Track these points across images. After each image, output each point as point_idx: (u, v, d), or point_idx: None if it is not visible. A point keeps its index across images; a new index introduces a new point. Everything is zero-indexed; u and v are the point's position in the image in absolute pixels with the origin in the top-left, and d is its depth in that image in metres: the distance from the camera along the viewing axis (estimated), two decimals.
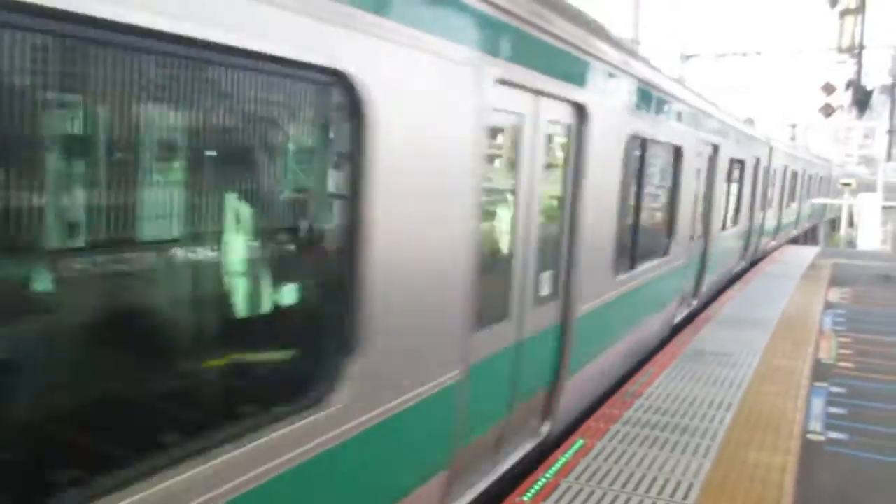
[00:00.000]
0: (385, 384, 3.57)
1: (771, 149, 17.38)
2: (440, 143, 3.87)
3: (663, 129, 8.37)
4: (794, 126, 49.97)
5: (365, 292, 3.31)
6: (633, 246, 7.77)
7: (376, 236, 3.32)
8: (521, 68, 4.67)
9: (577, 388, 6.32)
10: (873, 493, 5.32)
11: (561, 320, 5.87)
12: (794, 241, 26.83)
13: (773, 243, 21.14)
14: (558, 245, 5.77)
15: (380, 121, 3.26)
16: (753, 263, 17.82)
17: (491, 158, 4.80)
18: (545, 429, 5.87)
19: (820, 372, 8.15)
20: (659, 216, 9.31)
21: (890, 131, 16.01)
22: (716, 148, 11.62)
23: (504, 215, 5.05)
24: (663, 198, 9.29)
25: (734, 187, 14.05)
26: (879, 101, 20.80)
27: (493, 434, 5.06)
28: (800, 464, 5.60)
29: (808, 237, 31.95)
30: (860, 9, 12.22)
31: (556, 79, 5.19)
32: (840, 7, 13.30)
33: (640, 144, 7.64)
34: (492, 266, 4.79)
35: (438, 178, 3.89)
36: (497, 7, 4.25)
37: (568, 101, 5.49)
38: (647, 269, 8.26)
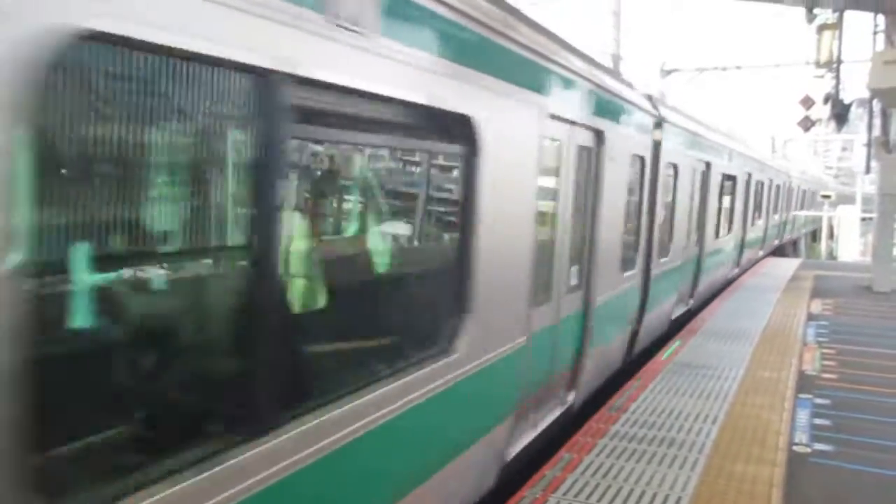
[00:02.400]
0: (485, 341, 4.76)
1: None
2: (517, 161, 5.10)
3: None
4: (773, 139, 50.61)
5: (475, 271, 4.52)
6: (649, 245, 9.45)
7: (482, 231, 4.52)
8: (563, 105, 5.95)
9: (593, 366, 7.36)
10: None
11: (583, 307, 6.97)
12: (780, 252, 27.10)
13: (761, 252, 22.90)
14: (583, 244, 6.91)
15: (485, 147, 4.47)
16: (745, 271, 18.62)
17: (543, 172, 5.80)
18: (570, 398, 6.85)
19: (804, 384, 8.18)
20: (663, 220, 10.38)
21: (867, 144, 16.22)
22: (709, 165, 13.01)
23: (550, 220, 6.14)
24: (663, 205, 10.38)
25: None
26: (857, 115, 21.04)
27: (539, 394, 6.09)
28: (787, 476, 5.60)
29: (791, 249, 32.22)
30: (837, 24, 12.42)
31: (583, 111, 6.45)
32: (817, 22, 13.51)
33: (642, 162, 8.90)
34: (542, 258, 5.82)
35: (516, 188, 5.11)
36: (551, 60, 5.58)
37: (590, 128, 6.74)
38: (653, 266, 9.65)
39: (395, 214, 5.17)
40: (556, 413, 6.50)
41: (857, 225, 35.90)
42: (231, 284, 3.45)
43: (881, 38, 14.16)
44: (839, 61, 14.25)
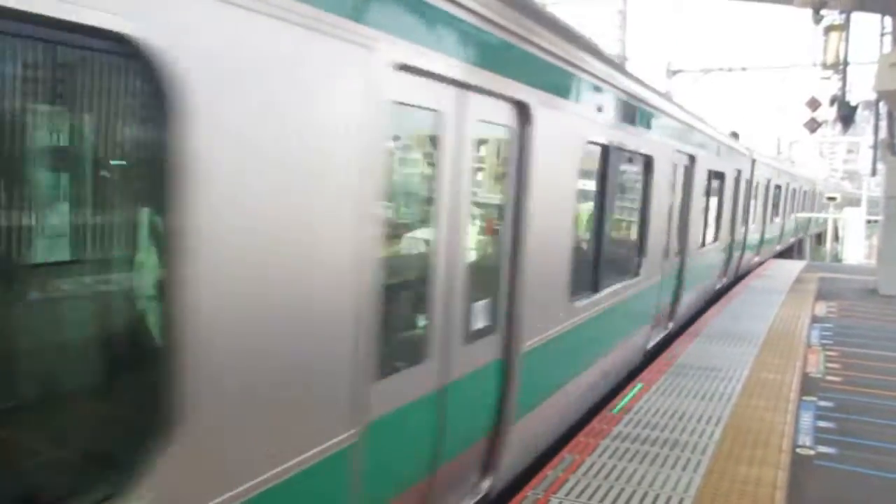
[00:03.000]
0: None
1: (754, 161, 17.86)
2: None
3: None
4: (778, 140, 50.47)
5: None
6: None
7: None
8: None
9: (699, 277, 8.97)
10: None
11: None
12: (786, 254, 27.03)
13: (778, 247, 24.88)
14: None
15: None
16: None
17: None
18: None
19: (808, 386, 8.15)
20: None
21: (873, 147, 16.16)
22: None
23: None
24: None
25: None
26: (863, 117, 20.98)
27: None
28: (790, 478, 5.58)
29: (795, 250, 32.13)
30: (844, 25, 12.37)
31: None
32: (824, 23, 13.46)
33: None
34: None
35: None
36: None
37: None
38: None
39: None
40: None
41: (862, 227, 35.77)
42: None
43: (888, 39, 14.11)
44: (846, 63, 14.20)
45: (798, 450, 6.21)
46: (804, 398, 7.68)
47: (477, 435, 4.92)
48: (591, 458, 5.78)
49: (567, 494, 5.11)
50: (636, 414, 6.89)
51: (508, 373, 5.10)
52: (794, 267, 20.63)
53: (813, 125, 20.11)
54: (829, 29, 12.62)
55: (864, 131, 39.16)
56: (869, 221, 33.64)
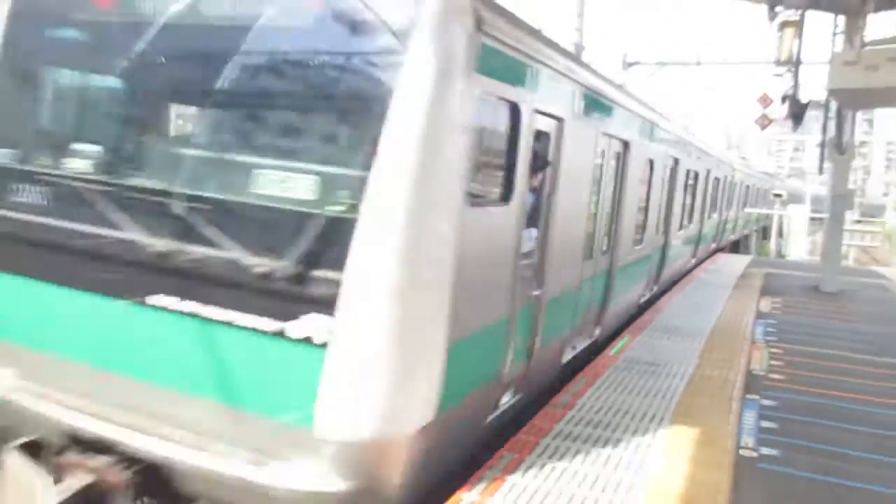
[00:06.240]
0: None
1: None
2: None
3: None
4: (728, 135, 51.33)
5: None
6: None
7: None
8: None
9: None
10: None
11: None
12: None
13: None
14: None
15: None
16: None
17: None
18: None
19: (752, 384, 8.08)
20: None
21: (821, 145, 16.33)
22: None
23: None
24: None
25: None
26: (811, 116, 21.23)
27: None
28: (733, 481, 5.43)
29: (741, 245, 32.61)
30: (799, 22, 12.37)
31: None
32: (779, 19, 13.46)
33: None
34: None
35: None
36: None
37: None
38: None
39: None
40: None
41: (805, 224, 36.55)
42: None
43: (840, 39, 14.20)
44: (798, 60, 14.26)
45: (741, 451, 6.08)
46: (747, 396, 7.59)
47: (596, 306, 9.09)
48: (531, 457, 5.55)
49: (504, 497, 4.86)
50: (579, 411, 6.69)
51: (611, 275, 9.43)
52: (739, 262, 20.85)
53: (764, 121, 20.31)
54: (784, 25, 12.62)
55: (812, 130, 39.98)
56: (813, 219, 34.39)
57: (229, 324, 4.48)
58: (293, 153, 4.93)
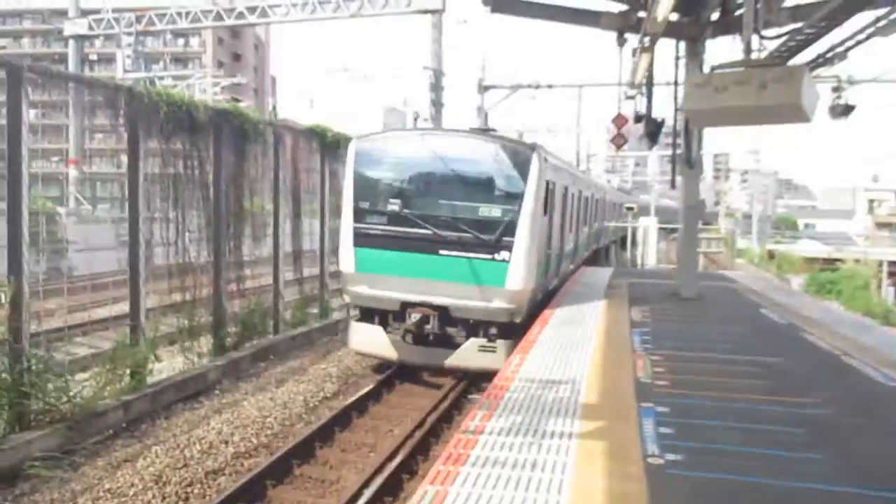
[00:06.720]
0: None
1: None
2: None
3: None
4: (577, 154, 54.14)
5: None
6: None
7: None
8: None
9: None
10: None
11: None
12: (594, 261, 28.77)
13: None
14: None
15: None
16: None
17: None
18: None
19: (642, 392, 8.42)
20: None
21: (671, 161, 17.53)
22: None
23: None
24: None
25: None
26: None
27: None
28: (647, 490, 5.61)
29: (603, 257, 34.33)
30: (650, 48, 13.27)
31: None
32: (634, 45, 14.38)
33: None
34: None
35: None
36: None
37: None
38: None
39: None
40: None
41: (654, 234, 39.15)
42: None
43: (682, 62, 15.38)
44: (651, 83, 15.28)
45: (649, 459, 6.30)
46: (642, 405, 7.91)
47: (562, 264, 18.33)
48: (455, 488, 5.49)
49: None
50: (491, 435, 6.71)
51: (563, 252, 18.25)
52: (604, 273, 21.90)
53: (619, 140, 21.60)
54: (642, 50, 13.48)
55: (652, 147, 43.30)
56: (661, 229, 36.80)
57: (476, 258, 12.74)
58: (492, 199, 13.02)
